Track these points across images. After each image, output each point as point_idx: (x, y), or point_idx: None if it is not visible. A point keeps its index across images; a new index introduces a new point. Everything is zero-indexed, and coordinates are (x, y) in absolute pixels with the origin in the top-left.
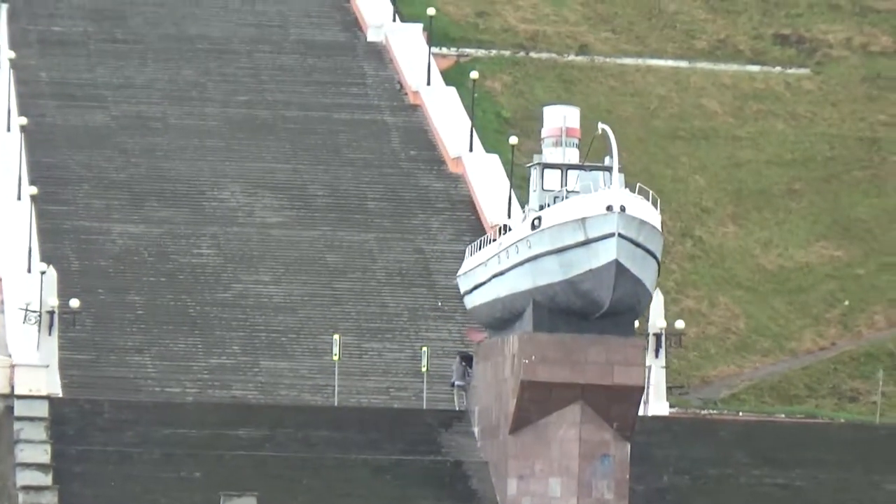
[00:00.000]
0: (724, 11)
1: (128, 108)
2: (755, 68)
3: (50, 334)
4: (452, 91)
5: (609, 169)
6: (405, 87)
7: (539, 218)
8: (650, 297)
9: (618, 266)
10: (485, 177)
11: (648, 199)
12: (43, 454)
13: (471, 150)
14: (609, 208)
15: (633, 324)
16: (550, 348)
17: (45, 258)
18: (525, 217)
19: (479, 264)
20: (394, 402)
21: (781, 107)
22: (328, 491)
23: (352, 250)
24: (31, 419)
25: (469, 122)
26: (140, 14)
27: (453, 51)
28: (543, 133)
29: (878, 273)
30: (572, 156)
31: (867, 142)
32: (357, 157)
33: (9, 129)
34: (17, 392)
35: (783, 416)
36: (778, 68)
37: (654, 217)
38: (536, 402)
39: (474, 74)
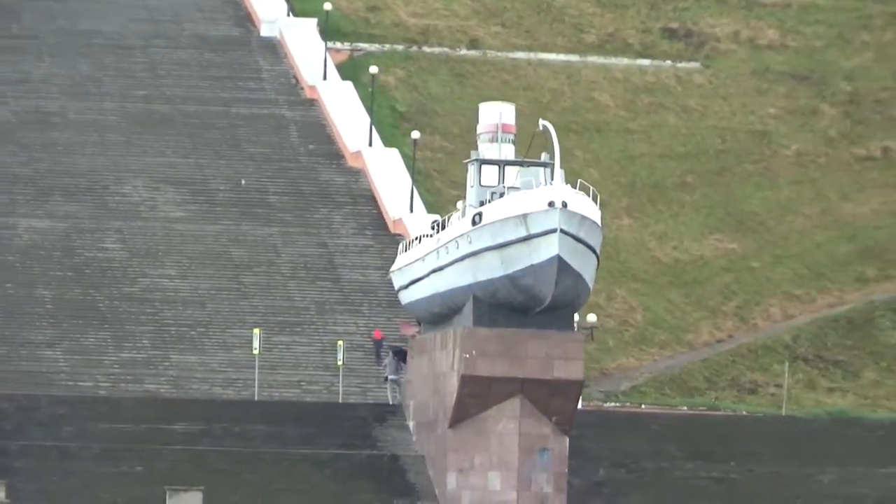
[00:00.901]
0: (612, 5)
1: (27, 103)
2: (645, 62)
3: None
4: (349, 85)
5: (548, 165)
6: (301, 81)
7: (480, 214)
8: (589, 292)
9: (560, 261)
10: (385, 171)
11: (589, 196)
12: None
13: (370, 144)
14: (551, 204)
15: (573, 318)
16: (490, 343)
17: None
18: (463, 213)
19: (416, 260)
20: (306, 396)
21: (673, 100)
22: (268, 485)
23: (256, 244)
24: None
25: (367, 117)
26: (34, 9)
27: (347, 45)
28: (479, 129)
29: (773, 265)
30: (508, 152)
31: (758, 135)
32: (257, 151)
33: None
34: None
35: (685, 408)
36: (668, 62)
37: (594, 213)
38: (476, 396)
39: (373, 69)
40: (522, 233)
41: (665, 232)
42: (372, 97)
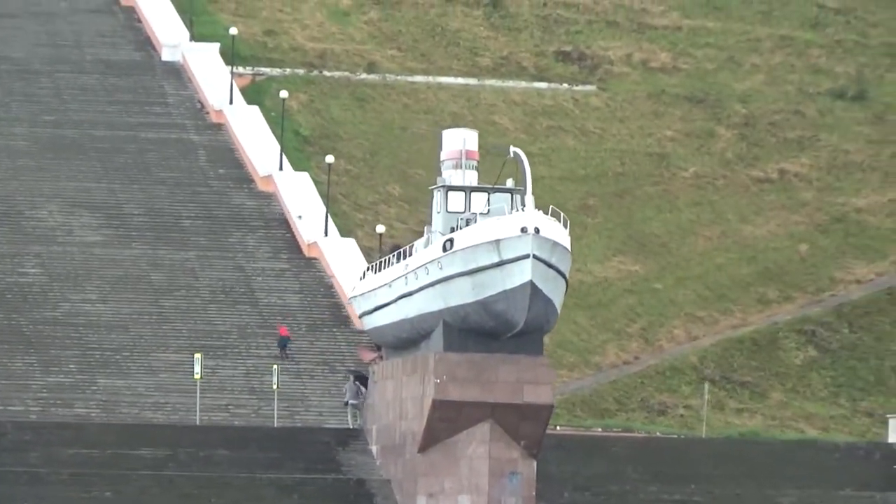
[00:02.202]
0: (504, 29)
1: None
2: (542, 85)
3: None
4: (255, 109)
5: (514, 191)
6: (206, 105)
7: (451, 240)
8: (557, 317)
9: (532, 287)
10: (297, 195)
11: (560, 221)
12: None
13: (280, 168)
14: (524, 230)
15: (542, 343)
16: (461, 368)
17: None
18: (428, 239)
19: (382, 285)
20: (234, 420)
21: (571, 123)
22: None
23: (174, 268)
24: None
25: (273, 141)
26: None
27: (249, 70)
28: (443, 156)
29: (675, 287)
30: (472, 178)
31: (656, 157)
32: (167, 175)
33: None
34: None
35: (599, 429)
36: (565, 85)
37: (565, 238)
38: (446, 420)
39: (283, 94)
40: (495, 258)
41: None
42: (282, 121)
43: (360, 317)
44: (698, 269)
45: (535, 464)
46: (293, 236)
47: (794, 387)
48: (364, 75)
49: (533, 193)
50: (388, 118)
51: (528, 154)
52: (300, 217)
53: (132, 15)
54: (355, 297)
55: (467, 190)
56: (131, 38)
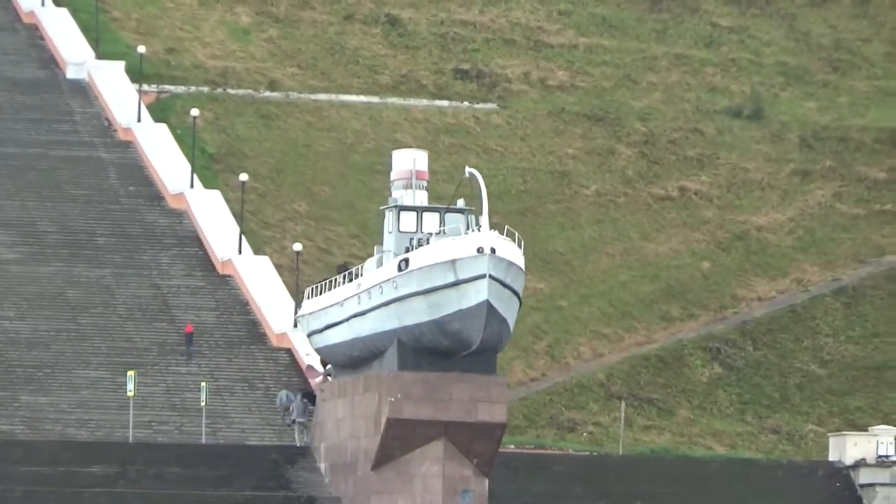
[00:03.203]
0: (403, 47)
1: None
2: (444, 103)
3: None
4: (163, 127)
5: (465, 211)
6: (114, 123)
7: (406, 260)
8: (510, 336)
9: (489, 306)
10: (208, 213)
11: (514, 242)
12: None
13: (192, 186)
14: (480, 250)
15: (495, 361)
16: (416, 386)
17: None
18: (380, 259)
19: (333, 304)
20: (157, 436)
21: (473, 141)
22: None
23: (90, 286)
24: None
25: (181, 158)
26: None
27: (154, 87)
28: (393, 176)
29: (580, 305)
30: (422, 198)
31: (558, 175)
32: (79, 193)
33: None
34: None
35: (512, 446)
36: (466, 103)
37: (519, 258)
38: (400, 438)
39: (195, 112)
40: (451, 278)
41: None
42: (193, 140)
43: (308, 335)
44: (602, 287)
45: (486, 482)
46: (206, 254)
47: (700, 404)
48: (267, 93)
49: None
50: (293, 136)
51: (430, 171)
52: None
53: (34, 33)
54: (303, 315)
55: (419, 210)
56: (35, 56)
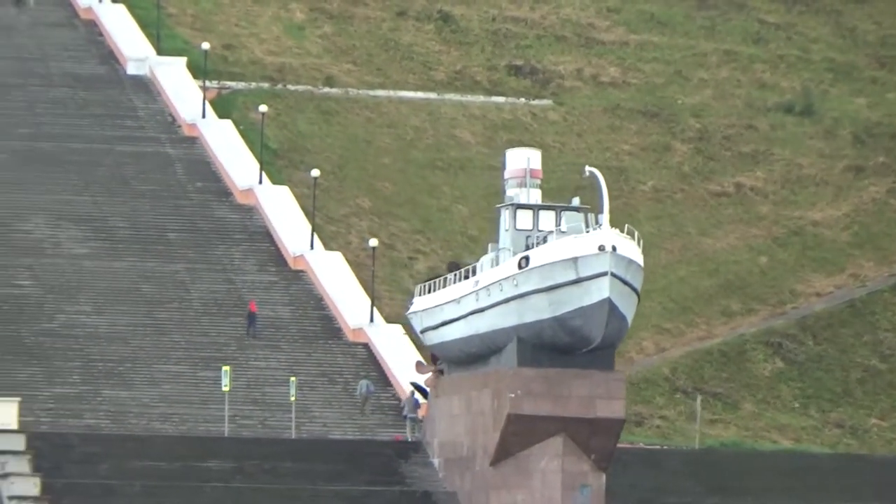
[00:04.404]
0: (456, 43)
1: None
2: (500, 99)
3: None
4: (228, 123)
5: (582, 209)
6: (178, 119)
7: (527, 258)
8: (627, 332)
9: (610, 304)
10: (278, 208)
11: (634, 240)
12: (33, 487)
13: (260, 182)
14: (601, 248)
15: (613, 358)
16: (535, 382)
17: None
18: (495, 256)
19: (448, 301)
20: (241, 431)
21: (530, 137)
22: None
23: (164, 281)
24: (14, 453)
25: (247, 154)
26: None
27: (215, 83)
28: (506, 175)
29: (642, 300)
30: (536, 196)
31: (615, 171)
32: (147, 188)
33: None
34: None
35: None
36: (522, 99)
37: (639, 256)
38: (520, 434)
39: (262, 108)
40: (572, 276)
41: None
42: (262, 135)
43: (422, 332)
44: (662, 282)
45: (603, 476)
46: (277, 249)
47: (764, 398)
48: (326, 89)
49: (495, 206)
50: (353, 132)
51: (489, 167)
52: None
53: (93, 29)
54: (415, 312)
55: (535, 208)
56: (94, 52)
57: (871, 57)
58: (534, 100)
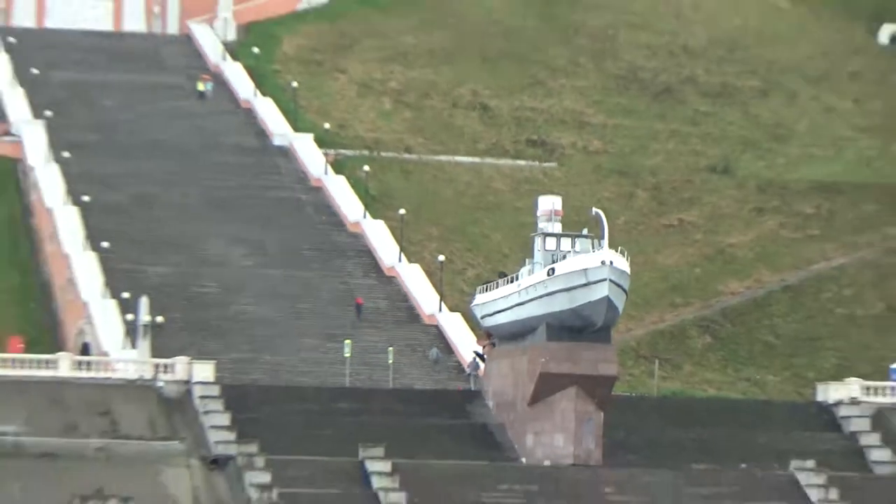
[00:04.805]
0: (492, 125)
1: (135, 188)
2: (522, 162)
3: (145, 340)
4: (342, 178)
5: (588, 237)
6: (308, 175)
7: (553, 269)
8: (619, 318)
9: (608, 300)
10: (377, 235)
11: (625, 257)
12: (226, 420)
13: (364, 217)
14: (603, 263)
15: (610, 335)
16: (558, 351)
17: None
18: (532, 268)
19: (499, 298)
20: (356, 383)
21: (542, 188)
22: (414, 445)
23: (301, 283)
24: (212, 397)
25: (355, 199)
26: (125, 124)
27: (332, 151)
28: (539, 213)
29: None
30: (558, 227)
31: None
32: (288, 221)
33: None
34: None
35: None
36: (536, 163)
37: (627, 268)
38: (547, 385)
39: (366, 168)
40: (583, 281)
41: None
42: (366, 187)
43: (482, 318)
44: (631, 285)
45: (602, 415)
46: (376, 262)
47: (698, 361)
48: (406, 155)
49: (522, 236)
50: (425, 184)
51: (516, 209)
52: None
53: (250, 114)
54: (477, 304)
55: (558, 236)
56: (251, 130)
57: (769, 134)
58: (544, 163)
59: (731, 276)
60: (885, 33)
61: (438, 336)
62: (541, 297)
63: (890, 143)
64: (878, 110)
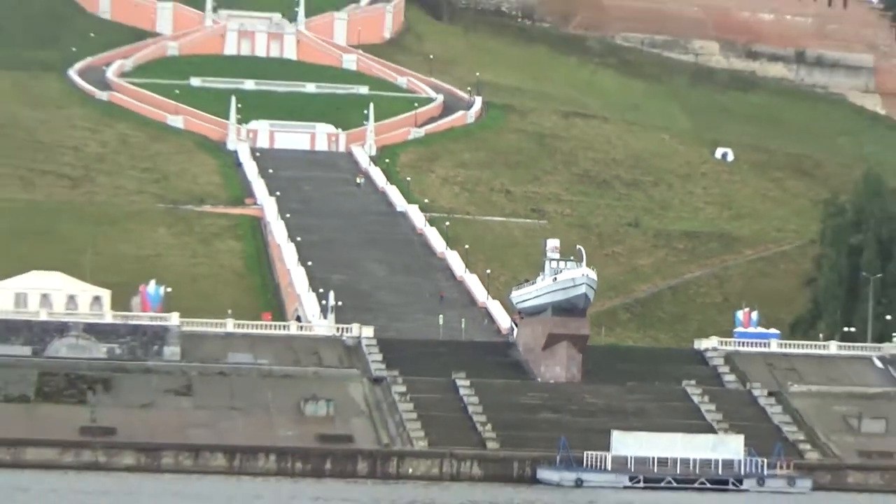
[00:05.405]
0: (509, 200)
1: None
2: (529, 221)
3: (331, 314)
4: (434, 229)
5: (574, 259)
6: (415, 228)
7: (555, 277)
8: (590, 305)
9: (585, 295)
10: (452, 259)
11: (593, 269)
12: (380, 357)
13: (445, 249)
14: (583, 275)
15: (586, 314)
16: (558, 323)
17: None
18: (544, 276)
19: (527, 291)
20: (444, 338)
21: (540, 235)
22: (481, 371)
23: (416, 285)
24: (371, 346)
25: (441, 239)
26: (317, 199)
27: (427, 214)
28: (548, 248)
29: None
30: (557, 255)
31: (574, 251)
32: (405, 252)
33: None
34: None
35: None
36: (535, 220)
37: (594, 275)
38: (552, 340)
39: (447, 223)
40: (572, 283)
41: None
42: (447, 234)
43: (516, 304)
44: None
45: (581, 357)
46: (452, 273)
47: (624, 326)
48: (466, 216)
49: (577, 263)
50: (477, 232)
51: (524, 245)
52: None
53: (384, 195)
54: (513, 296)
55: (558, 259)
56: (384, 203)
57: (657, 206)
58: (539, 220)
59: (640, 281)
60: None
61: (487, 314)
62: (549, 292)
63: None
64: None
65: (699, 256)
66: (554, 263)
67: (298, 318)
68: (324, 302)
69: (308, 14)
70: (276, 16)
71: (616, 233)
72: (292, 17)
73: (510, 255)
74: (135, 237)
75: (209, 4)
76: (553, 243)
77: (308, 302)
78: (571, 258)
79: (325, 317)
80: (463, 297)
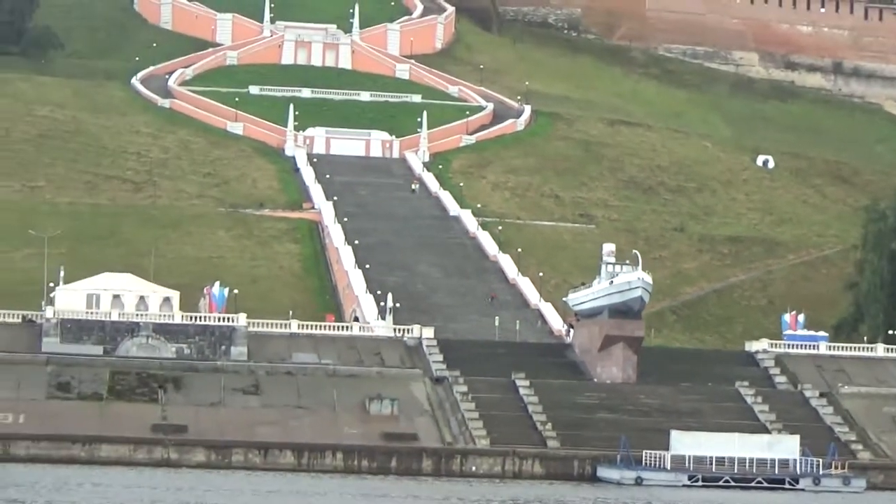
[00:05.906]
0: (557, 205)
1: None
2: (579, 225)
3: (389, 315)
4: (486, 233)
5: (631, 263)
6: (468, 232)
7: (612, 280)
8: (645, 307)
9: (641, 298)
10: (504, 262)
11: (648, 272)
12: (440, 357)
13: (498, 252)
14: (639, 278)
15: (641, 315)
16: (614, 325)
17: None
18: (600, 279)
19: (584, 293)
20: (498, 338)
21: (587, 240)
22: (539, 371)
23: (469, 287)
24: (431, 345)
25: (494, 243)
26: (373, 204)
27: (479, 218)
28: (604, 252)
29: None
30: (613, 258)
31: (624, 252)
32: (459, 254)
33: None
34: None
35: None
36: (584, 225)
37: (649, 279)
38: (609, 341)
39: (500, 227)
40: (628, 286)
41: None
42: (499, 238)
43: (573, 306)
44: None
45: (636, 357)
46: (505, 276)
47: (671, 329)
48: (517, 220)
49: (633, 267)
50: (528, 236)
51: (573, 249)
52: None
53: (438, 200)
54: (570, 298)
55: (615, 263)
56: (438, 208)
57: (702, 212)
58: (588, 225)
59: (685, 285)
60: None
61: (539, 315)
62: (606, 295)
63: None
64: None
65: (743, 261)
66: (610, 267)
67: (356, 319)
68: (382, 303)
69: (362, 25)
70: (332, 27)
71: (662, 237)
72: (347, 29)
73: (560, 258)
74: (196, 240)
75: (267, 16)
76: (609, 247)
77: (366, 303)
78: (627, 262)
79: (383, 318)
80: (516, 299)
